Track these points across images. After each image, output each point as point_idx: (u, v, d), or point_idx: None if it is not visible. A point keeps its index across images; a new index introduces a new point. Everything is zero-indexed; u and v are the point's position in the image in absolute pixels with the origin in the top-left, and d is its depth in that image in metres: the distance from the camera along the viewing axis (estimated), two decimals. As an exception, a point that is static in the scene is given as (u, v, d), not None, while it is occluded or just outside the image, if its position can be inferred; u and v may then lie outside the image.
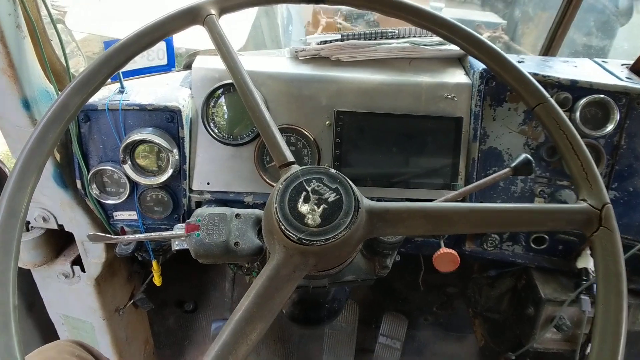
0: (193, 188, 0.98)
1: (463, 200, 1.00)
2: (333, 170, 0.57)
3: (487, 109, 1.00)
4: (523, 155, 0.82)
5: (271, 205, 0.55)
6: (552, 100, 0.66)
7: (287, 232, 0.52)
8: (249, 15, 1.89)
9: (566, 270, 1.04)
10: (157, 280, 1.06)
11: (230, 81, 0.96)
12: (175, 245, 0.78)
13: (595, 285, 1.02)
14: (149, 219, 1.00)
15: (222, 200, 0.98)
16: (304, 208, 0.54)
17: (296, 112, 0.98)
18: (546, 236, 1.02)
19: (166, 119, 0.94)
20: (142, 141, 0.92)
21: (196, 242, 0.73)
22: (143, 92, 0.96)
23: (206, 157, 0.98)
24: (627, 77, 1.02)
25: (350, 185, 0.56)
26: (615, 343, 0.51)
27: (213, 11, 0.69)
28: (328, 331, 1.46)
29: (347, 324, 1.47)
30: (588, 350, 1.07)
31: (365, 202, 0.56)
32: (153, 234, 0.77)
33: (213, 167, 0.98)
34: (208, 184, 0.98)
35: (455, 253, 0.94)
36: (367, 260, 0.88)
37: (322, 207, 0.54)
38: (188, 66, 1.05)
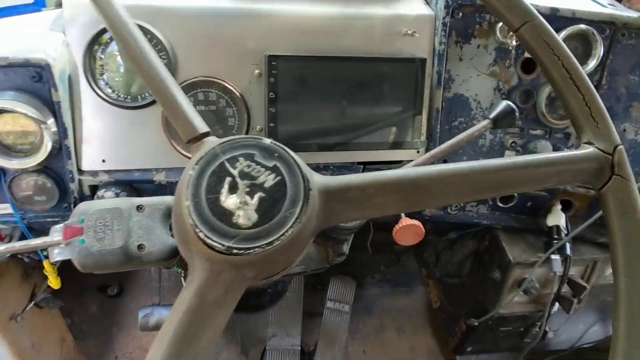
0: (83, 168, 0.74)
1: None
2: (267, 140, 0.40)
3: (453, 47, 0.82)
4: (504, 103, 0.66)
5: (181, 203, 0.37)
6: (541, 18, 0.50)
7: (209, 240, 0.35)
8: None
9: (534, 228, 0.94)
10: (54, 283, 0.84)
11: None
12: (55, 256, 0.56)
13: (567, 244, 0.93)
14: (30, 211, 0.76)
15: (125, 181, 0.75)
16: (230, 201, 0.37)
17: (214, 60, 0.74)
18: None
19: (31, 78, 0.67)
20: (0, 111, 0.66)
21: (80, 251, 0.51)
22: (-9, 40, 0.68)
23: (97, 127, 0.73)
24: (609, 4, 0.87)
25: (294, 159, 0.39)
26: None
27: None
28: (273, 302, 1.33)
29: (292, 293, 1.34)
30: (554, 309, 1.01)
31: (317, 180, 0.39)
32: (17, 244, 0.54)
33: (108, 139, 0.74)
34: (103, 161, 0.74)
35: (420, 224, 0.80)
36: (319, 246, 0.72)
37: (257, 196, 0.37)
38: (60, 3, 0.76)
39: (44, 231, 0.65)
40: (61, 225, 0.53)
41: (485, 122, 0.67)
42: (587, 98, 0.49)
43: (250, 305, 0.92)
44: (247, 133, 0.77)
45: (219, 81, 0.75)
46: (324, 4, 0.78)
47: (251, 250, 0.35)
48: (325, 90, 0.78)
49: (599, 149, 0.46)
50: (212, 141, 0.42)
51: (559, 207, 0.92)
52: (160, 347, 0.35)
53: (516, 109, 0.66)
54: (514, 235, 0.95)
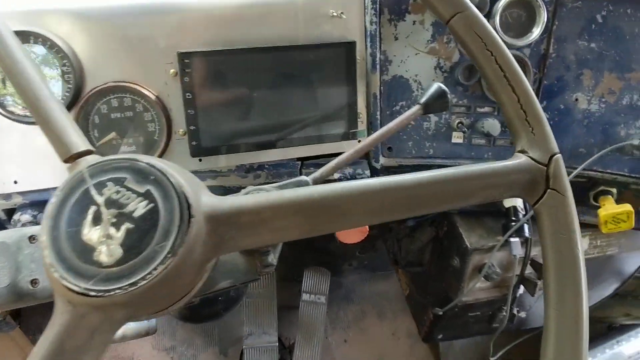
0: (-6, 191, 0.69)
1: (368, 158, 0.80)
2: (143, 160, 0.36)
3: (386, 25, 0.77)
4: (435, 86, 0.61)
5: (40, 237, 0.34)
6: (473, 7, 0.46)
7: (65, 281, 0.32)
8: None
9: (492, 210, 0.90)
10: (-10, 310, 0.81)
11: (26, 28, 0.65)
12: None
13: (526, 225, 0.89)
14: (-55, 240, 0.72)
15: (42, 202, 0.71)
16: (93, 235, 0.33)
17: (126, 63, 0.69)
18: (469, 175, 0.86)
19: None
20: None
21: None
22: None
23: (4, 147, 0.68)
24: (553, -35, 0.81)
25: (171, 182, 0.34)
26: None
27: None
28: (245, 300, 1.30)
29: (264, 289, 1.31)
30: (520, 292, 0.97)
31: (204, 204, 0.35)
32: None
33: (18, 158, 0.69)
34: (15, 182, 0.69)
35: (364, 219, 0.75)
36: (246, 256, 0.67)
37: (123, 228, 0.33)
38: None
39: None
40: None
41: (415, 109, 0.62)
42: (523, 99, 0.44)
43: (202, 315, 0.89)
44: (169, 138, 0.72)
45: (132, 85, 0.69)
46: (239, -9, 0.72)
47: (111, 292, 0.31)
48: (249, 85, 0.72)
49: (532, 158, 0.42)
50: (86, 162, 0.38)
51: (517, 186, 0.87)
52: None
53: (447, 91, 0.61)
54: (471, 219, 0.91)
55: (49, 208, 0.35)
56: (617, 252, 0.97)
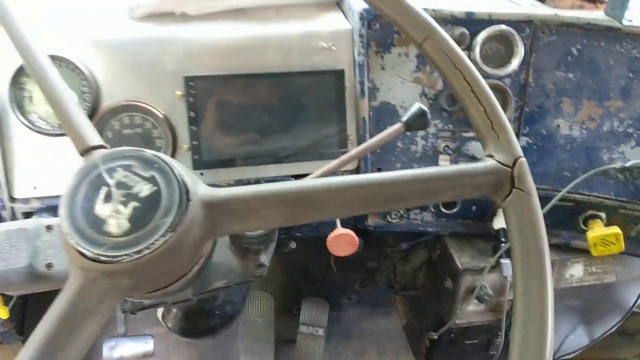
0: (15, 196, 0.77)
1: (358, 170, 0.86)
2: (149, 152, 0.41)
3: (374, 57, 0.84)
4: (416, 106, 0.67)
5: (59, 212, 0.39)
6: (442, 32, 0.52)
7: (80, 247, 0.36)
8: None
9: (483, 233, 0.92)
10: (1, 313, 0.86)
11: (55, 53, 0.75)
12: None
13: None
14: (-33, 240, 0.79)
15: (57, 206, 0.77)
16: (104, 210, 0.38)
17: (137, 85, 0.78)
18: (457, 198, 0.89)
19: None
20: None
21: None
22: None
23: (26, 155, 0.77)
24: (530, 4, 0.88)
25: (173, 170, 0.40)
26: (540, 345, 0.40)
27: None
28: (243, 329, 1.31)
29: (262, 318, 1.32)
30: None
31: (201, 192, 0.40)
32: None
33: (37, 165, 0.77)
34: (34, 188, 0.77)
35: (352, 233, 0.79)
36: (240, 257, 0.71)
37: (130, 205, 0.38)
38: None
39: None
40: None
41: (397, 126, 0.68)
42: (489, 110, 0.49)
43: (199, 329, 0.91)
44: (174, 152, 0.79)
45: (142, 104, 0.77)
46: (241, 24, 0.82)
47: (119, 258, 0.36)
48: (247, 107, 0.80)
49: (498, 161, 0.46)
50: (98, 153, 0.44)
51: (505, 209, 0.90)
52: (25, 353, 0.35)
53: (427, 111, 0.67)
54: (462, 241, 0.93)
55: (67, 188, 0.40)
56: (615, 280, 0.96)
